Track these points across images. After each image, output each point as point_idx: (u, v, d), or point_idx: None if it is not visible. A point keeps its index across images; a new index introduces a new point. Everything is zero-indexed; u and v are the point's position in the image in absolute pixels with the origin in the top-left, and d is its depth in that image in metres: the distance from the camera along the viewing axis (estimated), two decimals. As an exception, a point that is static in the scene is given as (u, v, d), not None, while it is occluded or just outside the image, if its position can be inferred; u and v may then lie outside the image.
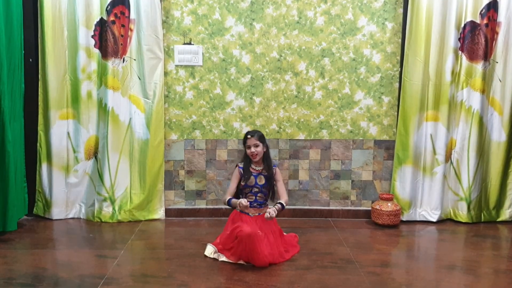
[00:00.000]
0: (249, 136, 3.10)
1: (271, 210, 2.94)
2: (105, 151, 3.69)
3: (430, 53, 3.60)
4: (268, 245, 2.92)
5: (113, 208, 3.74)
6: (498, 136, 3.71)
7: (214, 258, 2.99)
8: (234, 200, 3.04)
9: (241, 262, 2.91)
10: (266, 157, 3.16)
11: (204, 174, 3.87)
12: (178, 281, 2.66)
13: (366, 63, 3.76)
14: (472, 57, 3.62)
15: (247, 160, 3.16)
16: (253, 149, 3.08)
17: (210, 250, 3.06)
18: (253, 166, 3.15)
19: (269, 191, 3.17)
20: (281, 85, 3.77)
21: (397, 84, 3.78)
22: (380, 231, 3.59)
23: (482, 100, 3.66)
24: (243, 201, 2.91)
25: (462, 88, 3.65)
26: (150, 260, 3.01)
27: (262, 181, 3.13)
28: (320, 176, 3.88)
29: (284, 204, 3.07)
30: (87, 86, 3.70)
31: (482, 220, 3.79)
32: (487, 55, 3.62)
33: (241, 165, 3.17)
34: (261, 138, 3.13)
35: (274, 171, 3.18)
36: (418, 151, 3.73)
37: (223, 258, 2.96)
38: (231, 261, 2.93)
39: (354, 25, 3.72)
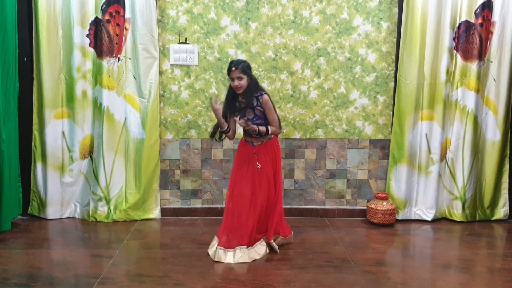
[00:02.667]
0: (233, 68, 2.90)
1: (244, 121, 2.93)
2: (100, 150, 3.68)
3: (425, 53, 3.61)
4: (260, 183, 3.02)
5: (109, 208, 3.73)
6: (492, 135, 3.72)
7: (215, 259, 2.96)
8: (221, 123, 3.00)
9: (239, 261, 2.92)
10: (249, 89, 2.96)
11: (199, 173, 3.87)
12: (174, 281, 2.66)
13: (362, 62, 3.76)
14: (467, 57, 3.64)
15: (232, 91, 3.00)
16: (236, 82, 2.91)
17: (213, 242, 3.08)
18: (239, 97, 3.02)
19: (265, 120, 3.03)
20: (276, 84, 3.77)
21: (392, 84, 3.79)
22: (376, 230, 3.60)
23: (476, 99, 3.68)
24: (240, 122, 2.90)
25: (457, 88, 3.67)
26: (145, 259, 3.00)
27: (251, 114, 3.02)
28: (316, 176, 3.89)
29: (269, 130, 2.98)
30: (82, 85, 3.68)
31: (477, 219, 3.81)
32: (482, 54, 3.63)
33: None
34: (246, 70, 2.93)
35: (260, 100, 2.97)
36: (413, 150, 3.75)
37: (218, 255, 2.95)
38: (226, 249, 2.95)
39: (350, 25, 3.72)
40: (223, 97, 3.13)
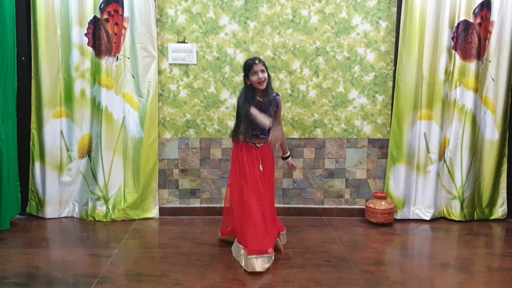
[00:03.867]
0: (256, 62, 2.86)
1: (292, 162, 3.25)
2: (98, 149, 3.68)
3: (424, 52, 3.61)
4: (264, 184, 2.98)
5: (107, 207, 3.72)
6: (491, 134, 3.73)
7: (249, 270, 2.78)
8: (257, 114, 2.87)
9: (266, 267, 2.80)
10: (269, 87, 2.94)
11: (198, 173, 3.87)
12: (172, 280, 2.65)
13: (360, 62, 3.77)
14: (465, 56, 3.64)
15: (250, 92, 2.93)
16: (261, 75, 2.85)
17: (241, 251, 2.90)
18: (257, 97, 2.95)
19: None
20: (275, 83, 3.77)
21: (391, 83, 3.79)
22: (374, 230, 3.60)
23: (475, 99, 3.68)
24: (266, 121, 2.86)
25: (456, 87, 3.67)
26: (144, 259, 3.00)
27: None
28: (315, 175, 3.89)
29: (287, 148, 3.26)
30: (81, 85, 3.68)
31: (475, 218, 3.81)
32: (480, 54, 3.64)
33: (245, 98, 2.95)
34: (265, 65, 2.92)
35: (277, 101, 3.01)
36: (411, 150, 3.75)
37: (252, 265, 2.77)
38: (258, 255, 2.78)
39: (348, 24, 3.72)
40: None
